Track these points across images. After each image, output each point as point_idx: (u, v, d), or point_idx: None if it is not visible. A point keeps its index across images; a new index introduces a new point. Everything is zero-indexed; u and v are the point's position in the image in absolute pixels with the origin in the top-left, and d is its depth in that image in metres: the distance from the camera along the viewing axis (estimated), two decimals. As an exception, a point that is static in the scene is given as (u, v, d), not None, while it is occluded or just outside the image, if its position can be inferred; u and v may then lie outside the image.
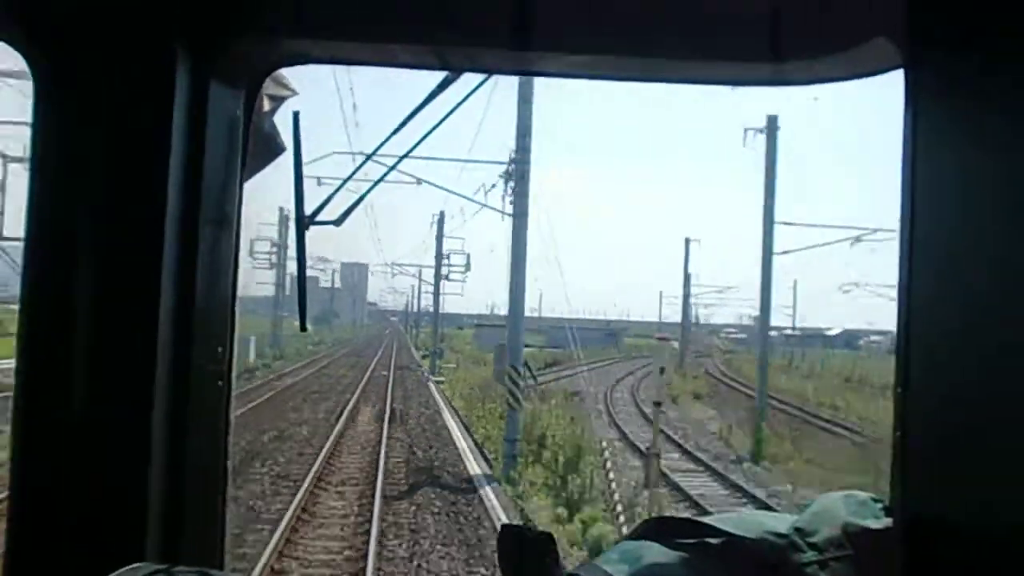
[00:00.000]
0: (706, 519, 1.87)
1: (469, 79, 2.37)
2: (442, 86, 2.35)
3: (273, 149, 2.42)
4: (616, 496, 16.13)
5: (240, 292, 2.20)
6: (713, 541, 1.79)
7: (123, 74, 2.03)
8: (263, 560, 11.62)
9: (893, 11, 1.90)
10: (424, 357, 53.01)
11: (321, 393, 33.69)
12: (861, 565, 1.76)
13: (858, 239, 39.00)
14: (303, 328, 2.54)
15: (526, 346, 23.15)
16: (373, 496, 15.46)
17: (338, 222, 2.45)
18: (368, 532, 13.32)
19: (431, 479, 17.76)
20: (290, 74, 2.40)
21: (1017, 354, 1.61)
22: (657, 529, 1.86)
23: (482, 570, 12.41)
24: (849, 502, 1.86)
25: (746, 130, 34.58)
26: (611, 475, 17.89)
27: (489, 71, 2.36)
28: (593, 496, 16.03)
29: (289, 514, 14.12)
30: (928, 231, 1.80)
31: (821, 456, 24.38)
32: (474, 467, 18.96)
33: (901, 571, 1.76)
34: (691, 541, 1.80)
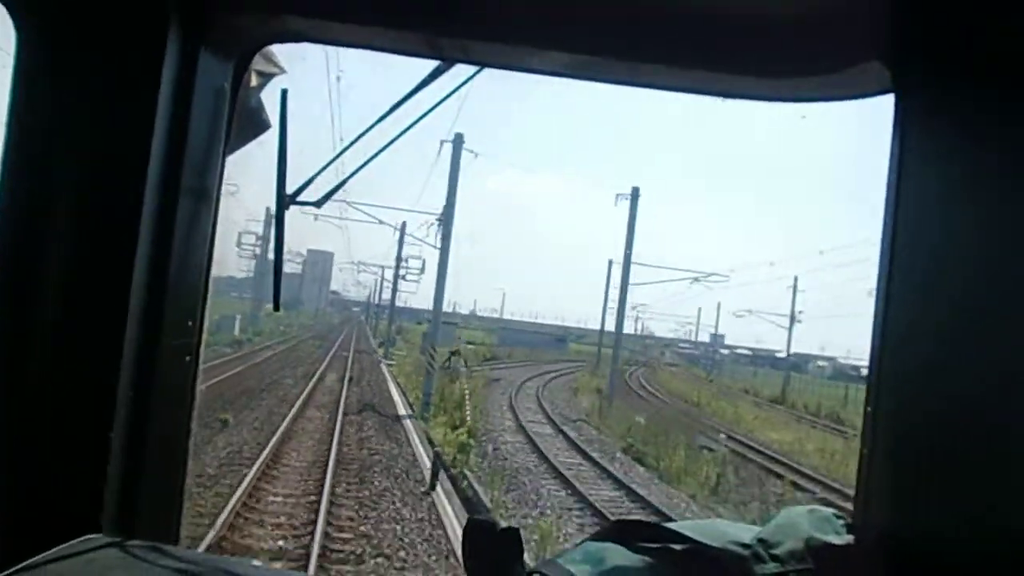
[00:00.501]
0: (671, 525, 1.87)
1: (461, 70, 2.36)
2: (433, 75, 2.33)
3: (258, 125, 2.39)
4: (478, 427, 26.32)
5: (225, 275, 2.16)
6: (676, 547, 1.79)
7: (112, 40, 2.00)
8: (280, 430, 21.10)
9: (886, 36, 1.92)
10: (380, 345, 59.89)
11: (297, 362, 42.64)
12: None
13: (696, 279, 52.38)
14: (276, 308, 2.51)
15: (469, 343, 31.48)
16: (336, 414, 25.43)
17: (319, 203, 2.42)
18: (333, 428, 22.96)
19: (373, 412, 27.23)
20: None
21: (985, 380, 1.63)
22: (621, 532, 1.86)
23: (390, 444, 21.85)
24: (812, 517, 1.87)
25: (617, 195, 41.79)
26: (480, 419, 28.37)
27: (481, 64, 2.34)
28: (466, 426, 25.49)
29: (289, 418, 23.53)
30: (907, 255, 1.82)
31: (636, 416, 33.56)
32: (402, 410, 28.61)
33: None
34: (654, 546, 1.80)
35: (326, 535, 13.53)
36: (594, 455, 24.59)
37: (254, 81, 2.33)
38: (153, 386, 2.07)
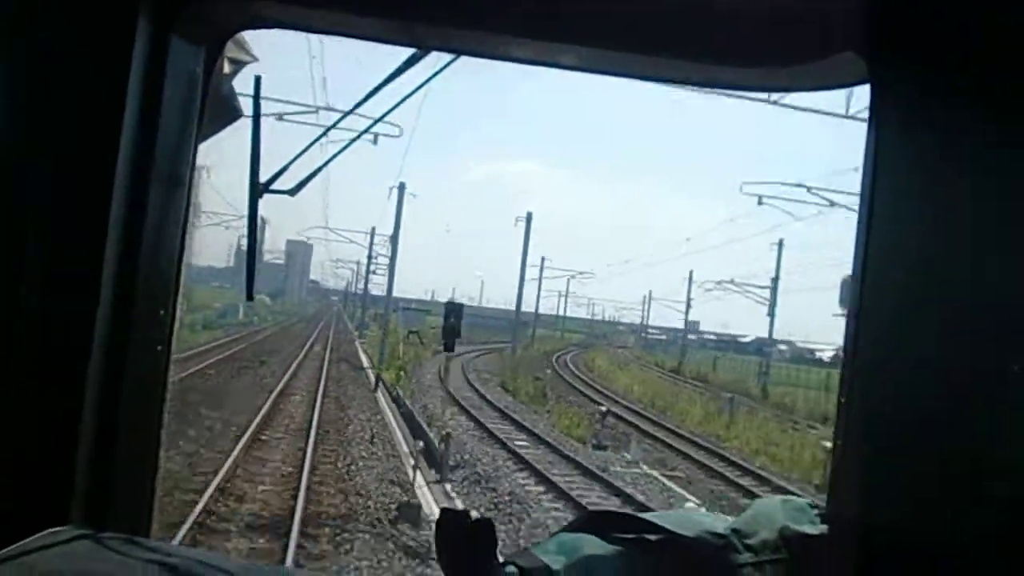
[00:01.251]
0: (646, 515, 1.88)
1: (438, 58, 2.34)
2: (409, 62, 2.31)
3: (231, 112, 2.36)
4: (410, 372, 39.02)
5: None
6: (651, 537, 1.80)
7: (81, 25, 1.96)
8: (292, 366, 36.91)
9: (861, 27, 1.92)
10: (356, 328, 70.62)
11: (293, 336, 59.41)
12: (795, 569, 1.78)
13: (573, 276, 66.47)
14: (249, 297, 2.49)
15: (432, 328, 45.36)
16: (324, 363, 40.19)
17: (293, 192, 2.40)
18: (322, 368, 37.82)
19: (347, 363, 42.61)
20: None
21: (959, 371, 1.64)
22: (595, 522, 1.86)
23: (355, 374, 36.92)
24: (787, 507, 1.88)
25: (516, 218, 50.75)
26: (415, 369, 41.89)
27: (458, 52, 2.32)
28: (400, 369, 37.49)
29: (295, 362, 39.17)
30: (883, 246, 1.83)
31: (529, 373, 46.32)
32: (365, 363, 43.15)
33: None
34: (629, 536, 1.80)
35: (323, 402, 28.04)
36: (476, 385, 39.72)
37: (227, 68, 2.30)
38: (124, 376, 2.04)
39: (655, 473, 23.23)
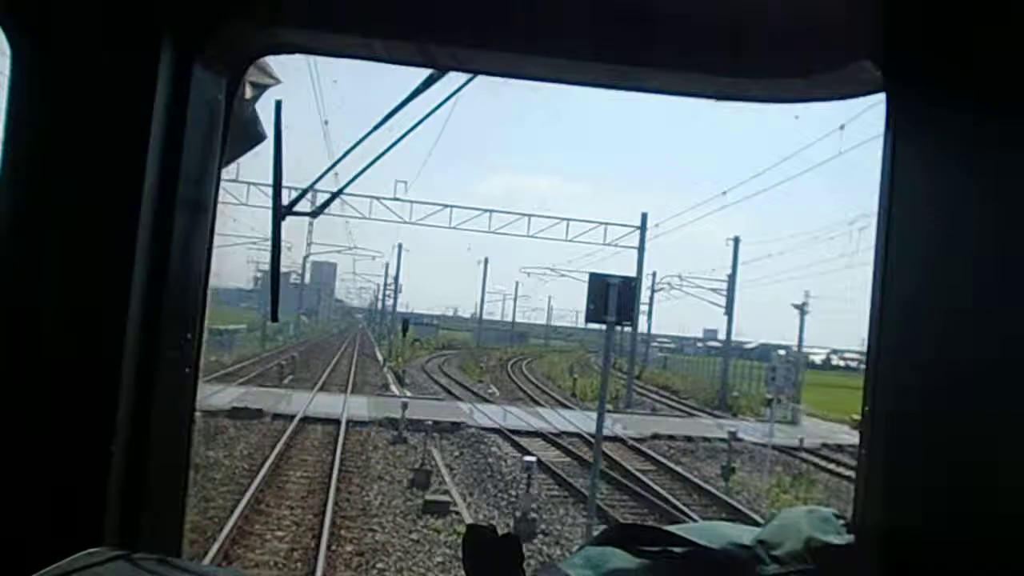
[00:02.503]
0: (671, 528, 1.88)
1: (455, 79, 2.37)
2: (426, 84, 2.33)
3: (253, 136, 2.40)
4: (408, 364, 58.03)
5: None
6: (677, 550, 1.80)
7: (107, 55, 2.01)
8: (334, 360, 55.35)
9: (876, 36, 1.92)
10: (376, 339, 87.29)
11: (330, 344, 78.81)
12: None
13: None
14: (274, 319, 2.52)
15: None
16: (352, 363, 52.80)
17: (314, 214, 2.43)
18: (352, 362, 54.17)
19: (370, 359, 61.02)
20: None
21: (984, 379, 1.63)
22: (621, 535, 1.86)
23: (373, 364, 56.47)
24: (812, 517, 1.87)
25: (477, 261, 58.71)
26: (413, 363, 61.76)
27: (474, 72, 2.34)
28: (400, 362, 56.61)
29: (335, 360, 55.96)
30: (902, 253, 1.83)
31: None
32: (380, 359, 60.52)
33: None
34: (655, 549, 1.80)
35: (356, 369, 48.21)
36: (442, 367, 60.94)
37: (248, 93, 2.33)
38: (153, 399, 2.07)
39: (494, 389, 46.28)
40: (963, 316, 1.69)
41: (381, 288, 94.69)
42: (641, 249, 46.10)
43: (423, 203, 48.18)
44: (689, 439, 29.04)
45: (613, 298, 15.55)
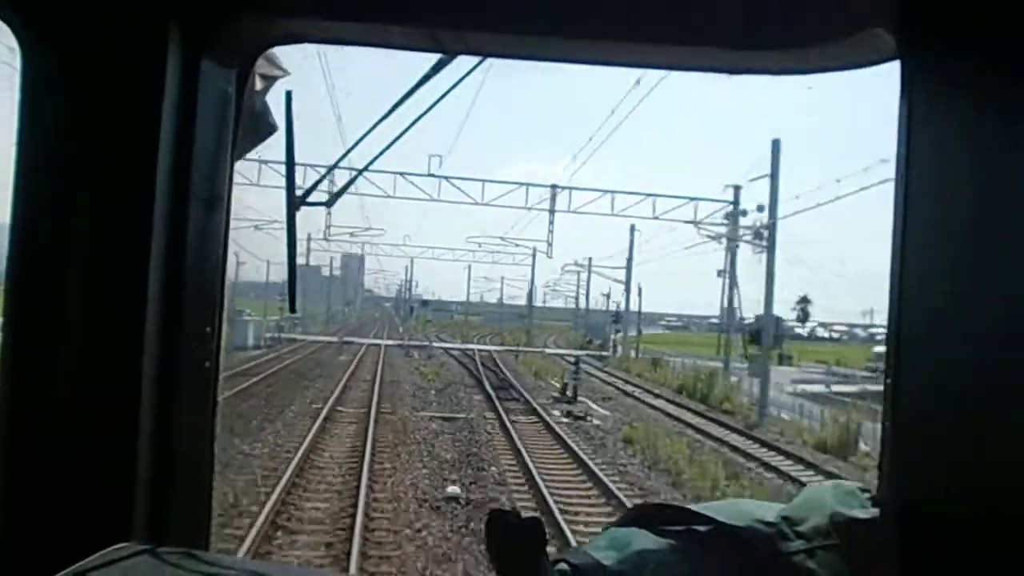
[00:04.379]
0: (694, 506, 1.87)
1: (464, 62, 2.35)
2: (435, 68, 2.32)
3: (264, 128, 2.39)
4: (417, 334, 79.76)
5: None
6: (701, 528, 1.79)
7: (115, 50, 2.01)
8: (372, 333, 75.30)
9: (889, 2, 1.89)
10: (401, 323, 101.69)
11: (368, 325, 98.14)
12: (848, 554, 1.76)
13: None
14: (292, 309, 2.53)
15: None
16: (385, 330, 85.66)
17: (328, 203, 2.43)
18: (385, 332, 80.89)
19: (393, 330, 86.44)
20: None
21: (1007, 346, 1.61)
22: (645, 516, 1.86)
23: (396, 335, 75.82)
24: (837, 492, 1.86)
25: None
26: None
27: (483, 55, 2.33)
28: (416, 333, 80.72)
29: (371, 336, 70.10)
30: (921, 223, 1.80)
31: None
32: (400, 331, 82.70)
33: (888, 561, 1.76)
34: (679, 528, 1.80)
35: (387, 335, 72.44)
36: (439, 335, 79.48)
37: (259, 85, 2.33)
38: (175, 394, 2.09)
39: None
40: (987, 286, 1.66)
41: (404, 281, 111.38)
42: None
43: (455, 178, 40.78)
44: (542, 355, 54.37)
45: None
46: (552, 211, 41.30)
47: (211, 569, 1.84)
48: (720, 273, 47.57)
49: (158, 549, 1.89)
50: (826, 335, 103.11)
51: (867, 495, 1.84)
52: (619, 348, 63.14)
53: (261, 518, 13.34)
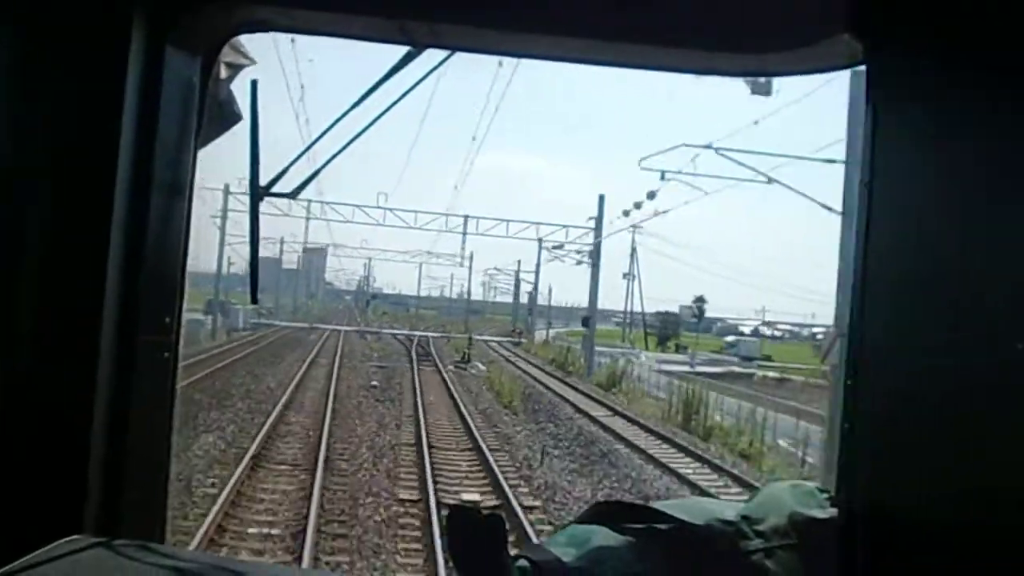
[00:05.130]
0: (655, 504, 1.88)
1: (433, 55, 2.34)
2: (404, 61, 2.30)
3: (229, 117, 2.36)
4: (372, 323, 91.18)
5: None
6: (661, 526, 1.80)
7: (78, 35, 1.97)
8: (324, 336, 59.95)
9: (856, 9, 1.90)
10: (360, 314, 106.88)
11: (333, 314, 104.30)
12: (806, 553, 1.78)
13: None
14: (254, 300, 2.50)
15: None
16: (347, 319, 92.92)
17: (293, 195, 2.40)
18: (347, 321, 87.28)
19: (353, 324, 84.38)
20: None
21: (964, 350, 1.63)
22: (605, 513, 1.86)
23: (353, 324, 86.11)
24: (796, 492, 1.88)
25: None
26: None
27: (452, 48, 2.31)
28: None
29: (336, 321, 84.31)
30: (884, 225, 1.82)
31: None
32: (359, 320, 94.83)
33: (844, 560, 1.78)
34: (639, 526, 1.80)
35: (347, 323, 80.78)
36: (392, 324, 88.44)
37: (224, 73, 2.30)
38: (132, 383, 2.05)
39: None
40: (946, 291, 1.68)
41: (362, 277, 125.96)
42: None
43: (396, 209, 58.90)
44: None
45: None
46: (464, 233, 59.92)
47: (166, 561, 1.81)
48: (625, 276, 63.82)
49: (112, 542, 1.85)
50: (769, 333, 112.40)
51: (825, 495, 1.86)
52: (535, 336, 77.99)
53: (285, 396, 26.89)
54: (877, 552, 1.72)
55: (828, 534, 1.79)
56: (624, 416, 28.66)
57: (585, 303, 53.36)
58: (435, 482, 16.90)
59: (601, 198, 51.53)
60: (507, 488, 16.63)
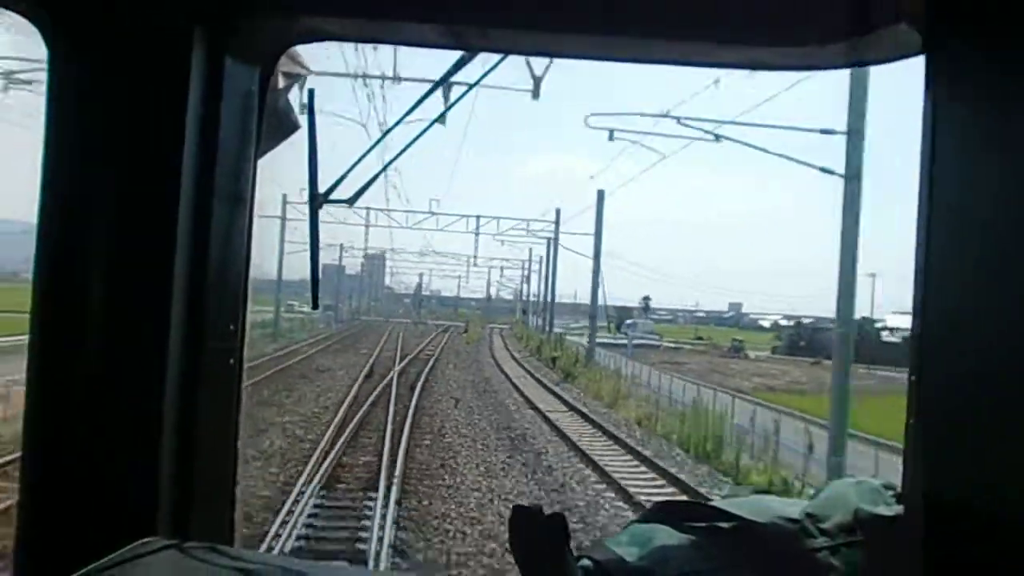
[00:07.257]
0: (717, 503, 1.86)
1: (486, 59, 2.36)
2: (458, 65, 2.33)
3: (287, 126, 2.40)
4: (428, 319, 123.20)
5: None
6: (723, 525, 1.78)
7: (139, 50, 2.03)
8: (390, 328, 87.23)
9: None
10: (416, 313, 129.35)
11: (393, 316, 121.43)
12: (871, 551, 1.75)
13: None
14: (314, 306, 2.53)
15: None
16: (404, 322, 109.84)
17: (351, 201, 2.43)
18: (403, 326, 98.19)
19: (410, 322, 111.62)
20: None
21: None
22: (667, 512, 1.86)
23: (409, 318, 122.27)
24: (861, 488, 1.85)
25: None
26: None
27: (504, 51, 2.33)
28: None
29: (399, 317, 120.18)
30: (945, 218, 1.78)
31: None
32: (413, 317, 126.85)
33: (911, 558, 1.75)
34: (701, 525, 1.79)
35: (405, 326, 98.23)
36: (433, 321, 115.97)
37: (281, 83, 2.34)
38: (199, 390, 2.10)
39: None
40: (1011, 283, 1.65)
41: (417, 284, 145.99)
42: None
43: (448, 214, 73.86)
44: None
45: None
46: (477, 233, 73.61)
47: (236, 564, 1.85)
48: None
49: (183, 544, 1.90)
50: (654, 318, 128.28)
51: (891, 492, 1.83)
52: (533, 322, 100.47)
53: (381, 342, 62.27)
54: (944, 549, 1.69)
55: (894, 531, 1.77)
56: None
57: (586, 301, 64.46)
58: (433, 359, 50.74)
59: (558, 212, 67.78)
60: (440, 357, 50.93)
